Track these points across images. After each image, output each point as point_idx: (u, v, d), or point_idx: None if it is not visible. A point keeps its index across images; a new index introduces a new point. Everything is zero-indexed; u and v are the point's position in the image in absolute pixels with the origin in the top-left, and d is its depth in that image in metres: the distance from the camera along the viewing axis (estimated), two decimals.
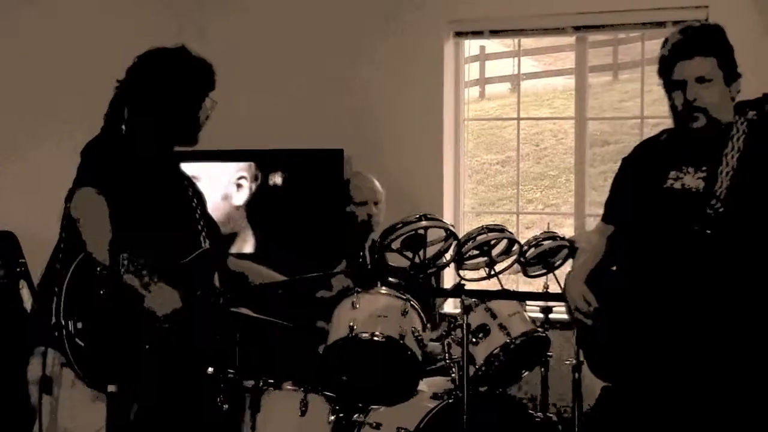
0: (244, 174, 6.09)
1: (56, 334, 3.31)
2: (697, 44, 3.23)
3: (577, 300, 3.45)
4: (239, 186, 6.08)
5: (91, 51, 5.70)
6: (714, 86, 3.20)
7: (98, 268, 3.34)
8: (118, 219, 3.37)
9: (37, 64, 5.57)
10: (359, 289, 4.16)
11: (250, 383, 4.15)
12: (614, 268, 3.44)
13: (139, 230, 3.42)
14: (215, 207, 5.71)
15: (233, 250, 5.93)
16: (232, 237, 6.00)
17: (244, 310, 4.24)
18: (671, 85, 3.27)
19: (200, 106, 3.74)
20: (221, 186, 6.07)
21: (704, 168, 3.23)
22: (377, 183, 5.13)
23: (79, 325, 3.32)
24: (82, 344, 3.33)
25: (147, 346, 3.43)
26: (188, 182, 3.97)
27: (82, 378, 3.42)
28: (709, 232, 3.11)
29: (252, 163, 6.09)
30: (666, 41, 3.32)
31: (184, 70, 3.71)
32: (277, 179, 6.07)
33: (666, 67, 3.28)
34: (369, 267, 4.70)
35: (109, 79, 3.73)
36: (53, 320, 3.30)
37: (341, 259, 4.91)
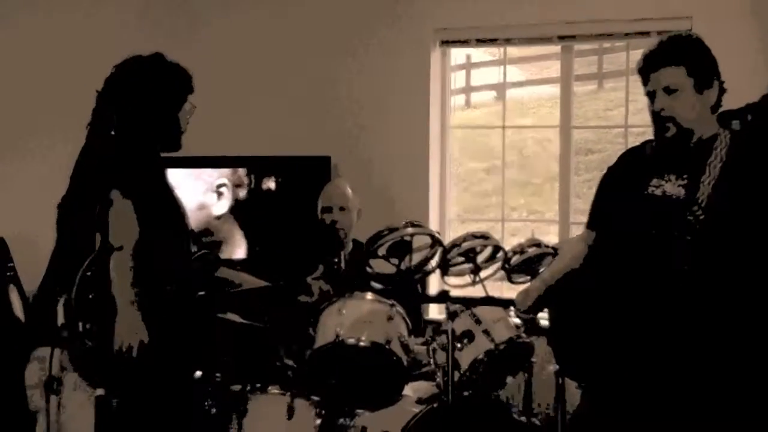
0: (225, 181, 6.11)
1: (64, 334, 3.34)
2: (664, 55, 3.30)
3: (520, 295, 3.53)
4: (219, 194, 6.10)
5: (78, 59, 5.69)
6: (683, 95, 3.26)
7: (88, 273, 3.38)
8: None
9: (23, 72, 5.56)
10: (346, 294, 4.19)
11: (237, 387, 4.17)
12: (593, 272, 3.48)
13: (147, 231, 3.47)
14: (194, 216, 5.77)
15: (222, 256, 5.98)
16: (218, 245, 6.03)
17: (231, 316, 4.27)
18: (648, 96, 3.34)
19: (179, 110, 3.77)
20: (199, 194, 6.12)
21: (685, 176, 3.28)
22: (348, 189, 5.11)
23: (88, 326, 3.35)
24: (90, 345, 3.36)
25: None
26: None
27: (87, 379, 3.45)
28: (689, 237, 3.16)
29: (235, 170, 6.15)
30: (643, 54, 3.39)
31: (161, 76, 3.74)
32: (267, 185, 6.11)
33: (643, 79, 3.35)
34: (344, 272, 4.72)
35: (98, 85, 3.75)
36: (62, 322, 3.33)
37: (318, 264, 4.94)
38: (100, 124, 3.66)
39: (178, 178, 5.66)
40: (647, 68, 3.33)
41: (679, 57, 3.28)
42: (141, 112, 3.67)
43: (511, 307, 3.63)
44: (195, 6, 6.60)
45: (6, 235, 5.07)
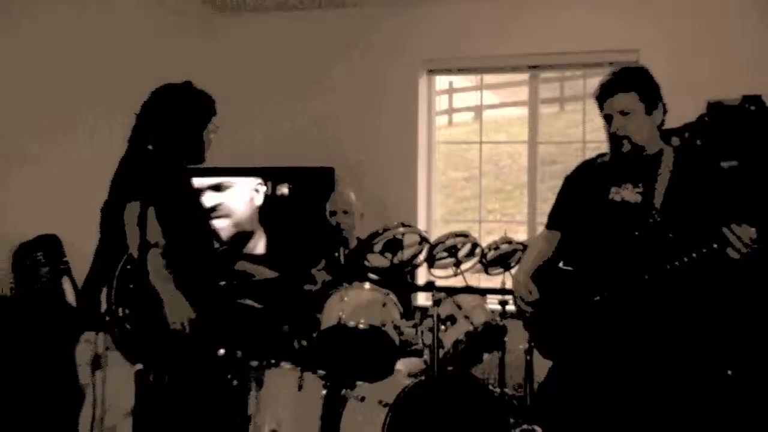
0: (261, 181, 6.21)
1: (107, 319, 3.33)
2: (618, 83, 3.27)
3: (521, 290, 3.48)
4: (257, 191, 6.17)
5: (78, 59, 5.38)
6: (635, 116, 3.24)
7: (128, 266, 3.36)
8: (160, 222, 3.41)
9: (23, 72, 5.12)
10: (347, 285, 4.18)
11: (255, 363, 4.15)
12: (561, 264, 3.45)
13: (173, 231, 3.45)
14: (244, 211, 5.84)
15: (248, 248, 6.01)
16: (250, 235, 6.12)
17: (250, 302, 4.26)
18: (604, 118, 3.32)
19: (204, 130, 3.77)
20: (247, 192, 6.23)
21: (640, 185, 3.26)
22: (352, 196, 5.09)
23: (127, 311, 3.34)
24: (129, 327, 3.35)
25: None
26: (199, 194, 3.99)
27: (129, 357, 3.43)
28: (648, 237, 3.15)
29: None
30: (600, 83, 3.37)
31: (189, 101, 3.73)
32: (281, 191, 6.14)
33: (599, 104, 3.33)
34: (342, 265, 4.71)
35: (138, 84, 3.73)
36: (105, 308, 3.32)
37: (321, 259, 4.93)
38: (139, 140, 3.65)
39: (234, 180, 6.14)
40: (604, 95, 3.30)
41: (631, 84, 3.26)
42: (172, 132, 3.66)
43: (517, 300, 3.54)
44: (195, 8, 6.58)
45: (60, 233, 5.01)
